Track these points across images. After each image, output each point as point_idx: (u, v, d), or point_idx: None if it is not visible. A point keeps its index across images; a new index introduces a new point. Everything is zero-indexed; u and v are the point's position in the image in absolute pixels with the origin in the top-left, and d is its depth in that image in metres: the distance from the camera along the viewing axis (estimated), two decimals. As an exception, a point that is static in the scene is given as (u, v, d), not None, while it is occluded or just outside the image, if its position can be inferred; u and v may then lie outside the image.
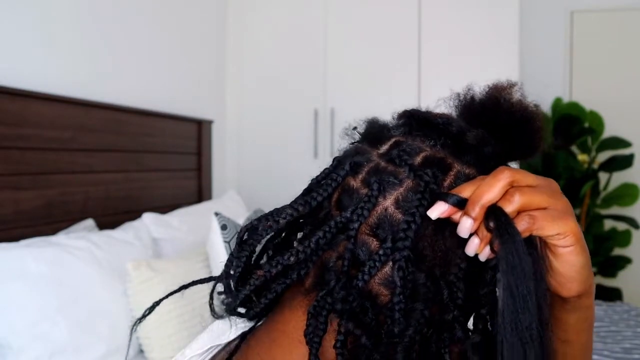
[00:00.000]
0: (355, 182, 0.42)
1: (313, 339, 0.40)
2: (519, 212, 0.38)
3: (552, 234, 0.38)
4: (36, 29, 1.59)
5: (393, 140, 0.44)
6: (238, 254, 0.44)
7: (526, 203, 0.37)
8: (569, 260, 0.39)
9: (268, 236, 0.44)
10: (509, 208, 0.37)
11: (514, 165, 0.45)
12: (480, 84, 0.46)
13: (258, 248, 0.46)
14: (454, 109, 0.46)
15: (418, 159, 0.41)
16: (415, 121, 0.45)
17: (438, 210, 0.39)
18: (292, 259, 0.41)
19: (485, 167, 0.42)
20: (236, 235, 0.44)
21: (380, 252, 0.40)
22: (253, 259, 0.46)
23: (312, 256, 0.42)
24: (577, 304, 0.42)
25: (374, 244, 0.41)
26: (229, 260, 0.45)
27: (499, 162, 0.44)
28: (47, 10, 1.63)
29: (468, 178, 0.41)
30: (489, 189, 0.38)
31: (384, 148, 0.43)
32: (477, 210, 0.37)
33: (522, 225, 0.37)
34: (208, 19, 2.69)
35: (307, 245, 0.41)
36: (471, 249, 0.39)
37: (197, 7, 2.57)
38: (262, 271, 0.42)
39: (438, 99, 0.47)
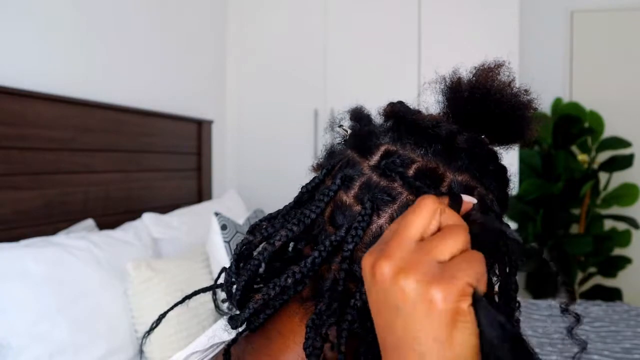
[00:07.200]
0: (347, 198, 0.42)
1: (313, 352, 0.40)
2: None
3: None
4: (36, 29, 1.59)
5: (383, 149, 0.42)
6: (237, 276, 0.45)
7: None
8: None
9: (265, 258, 0.44)
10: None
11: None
12: (465, 66, 0.44)
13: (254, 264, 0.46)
14: (440, 92, 0.45)
15: (410, 172, 0.41)
16: (403, 125, 0.44)
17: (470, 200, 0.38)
18: (289, 280, 0.41)
19: (478, 170, 0.42)
20: (234, 243, 0.45)
21: None
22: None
23: (309, 274, 0.42)
24: None
25: None
26: (227, 275, 0.46)
27: (493, 163, 0.44)
28: (47, 11, 1.63)
29: (461, 185, 0.41)
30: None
31: (375, 159, 0.42)
32: None
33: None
34: (208, 19, 2.69)
35: (304, 265, 0.41)
36: None
37: (197, 8, 2.57)
38: (260, 295, 0.42)
39: (424, 82, 0.46)
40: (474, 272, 0.30)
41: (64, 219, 1.61)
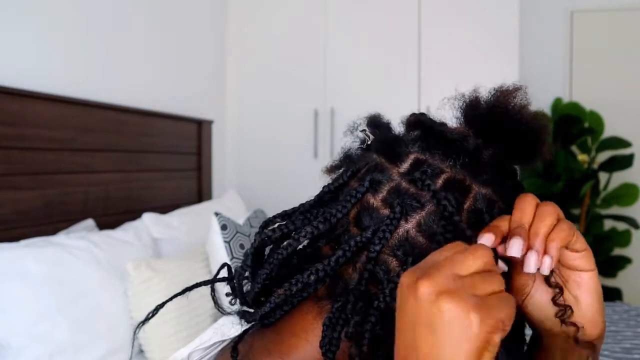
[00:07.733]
0: (375, 201, 0.43)
1: (329, 349, 0.40)
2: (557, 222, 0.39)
3: (583, 249, 0.40)
4: (36, 29, 1.59)
5: (412, 157, 0.44)
6: (253, 270, 0.46)
7: (559, 216, 0.40)
8: (592, 287, 0.41)
9: (286, 254, 0.44)
10: (549, 220, 0.39)
11: None
12: (485, 86, 0.46)
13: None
14: (459, 110, 0.46)
15: (439, 182, 0.42)
16: (431, 135, 0.45)
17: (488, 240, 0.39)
18: (312, 277, 0.42)
19: (500, 185, 0.44)
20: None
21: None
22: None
23: (331, 272, 0.43)
24: (597, 348, 0.43)
25: (393, 263, 0.42)
26: (241, 268, 0.46)
27: (514, 179, 0.45)
28: (47, 11, 1.63)
29: (485, 198, 0.43)
30: (525, 214, 0.39)
31: (404, 167, 0.43)
32: (540, 242, 0.39)
33: (563, 232, 0.38)
34: (208, 19, 2.69)
35: (328, 264, 0.42)
36: (542, 265, 0.39)
37: (197, 8, 2.57)
38: (282, 290, 0.43)
39: (443, 98, 0.47)
40: (507, 311, 0.33)
41: (64, 219, 1.61)
